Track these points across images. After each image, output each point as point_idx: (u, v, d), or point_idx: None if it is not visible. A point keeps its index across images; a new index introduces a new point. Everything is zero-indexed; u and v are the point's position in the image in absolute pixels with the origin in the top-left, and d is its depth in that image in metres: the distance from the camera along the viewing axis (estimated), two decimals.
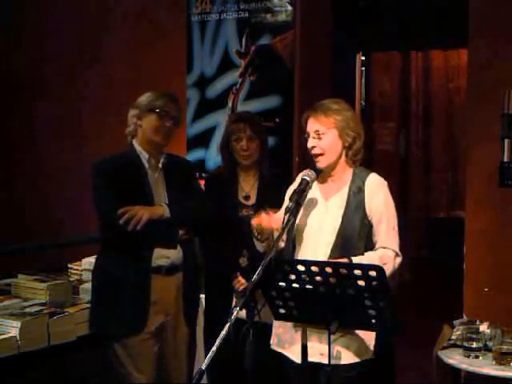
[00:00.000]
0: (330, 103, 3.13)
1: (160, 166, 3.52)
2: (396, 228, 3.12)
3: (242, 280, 3.57)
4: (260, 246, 3.19)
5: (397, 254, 3.07)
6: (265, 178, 3.76)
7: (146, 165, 3.49)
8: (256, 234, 3.18)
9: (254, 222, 3.16)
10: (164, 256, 3.45)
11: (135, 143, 3.51)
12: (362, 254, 3.02)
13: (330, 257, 3.01)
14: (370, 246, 3.08)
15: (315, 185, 3.13)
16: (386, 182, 3.16)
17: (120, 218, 3.30)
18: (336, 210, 3.10)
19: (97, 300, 3.56)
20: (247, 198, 3.74)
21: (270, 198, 3.57)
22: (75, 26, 5.61)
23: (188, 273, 3.53)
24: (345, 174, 3.15)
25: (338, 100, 3.18)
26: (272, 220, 3.10)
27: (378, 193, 3.11)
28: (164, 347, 3.53)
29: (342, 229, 3.05)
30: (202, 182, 3.95)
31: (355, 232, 3.05)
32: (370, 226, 3.08)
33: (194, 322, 3.65)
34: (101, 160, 3.54)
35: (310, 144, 3.11)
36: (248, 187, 3.76)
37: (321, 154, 3.09)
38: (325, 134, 3.09)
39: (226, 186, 3.76)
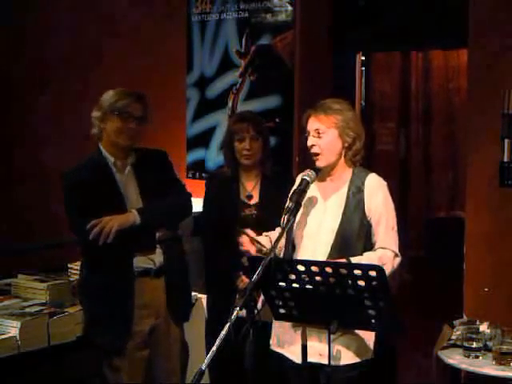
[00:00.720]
0: (332, 103, 3.13)
1: (128, 167, 3.44)
2: (395, 228, 3.12)
3: (245, 279, 3.57)
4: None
5: (396, 255, 3.07)
6: (267, 177, 3.76)
7: (113, 169, 3.42)
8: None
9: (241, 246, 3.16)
10: (148, 258, 3.42)
11: (101, 146, 3.44)
12: (361, 255, 3.03)
13: (330, 256, 3.02)
14: (369, 246, 3.08)
15: (314, 184, 3.13)
16: (385, 183, 3.16)
17: (89, 232, 3.21)
18: (335, 210, 3.10)
19: (84, 310, 3.55)
20: (250, 197, 3.74)
21: (272, 198, 3.59)
22: (75, 26, 5.62)
23: (172, 272, 3.48)
24: (344, 174, 3.15)
25: (340, 100, 3.19)
26: (251, 242, 3.11)
27: (377, 193, 3.11)
28: (156, 349, 3.51)
29: (340, 229, 3.06)
30: (203, 183, 3.95)
31: (354, 232, 3.06)
32: (369, 226, 3.08)
33: (183, 321, 3.62)
34: (68, 170, 3.45)
35: (309, 142, 3.12)
36: (250, 187, 3.76)
37: (320, 153, 3.10)
38: (325, 133, 3.09)
39: (228, 186, 3.75)
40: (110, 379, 3.45)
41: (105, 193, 3.37)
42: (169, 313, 3.51)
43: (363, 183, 3.11)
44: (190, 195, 3.61)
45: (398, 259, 3.08)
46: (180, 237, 3.63)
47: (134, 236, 3.32)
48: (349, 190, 3.11)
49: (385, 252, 3.05)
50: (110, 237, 3.22)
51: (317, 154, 3.11)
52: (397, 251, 3.08)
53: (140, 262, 3.41)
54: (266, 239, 3.21)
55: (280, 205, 3.24)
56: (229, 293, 3.60)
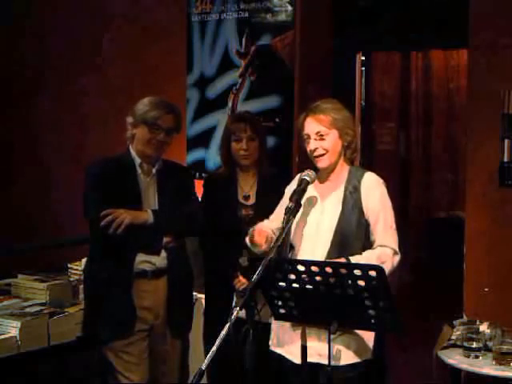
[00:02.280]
0: (327, 103, 3.13)
1: (154, 171, 3.52)
2: (394, 226, 3.12)
3: (242, 279, 3.56)
4: (257, 250, 3.19)
5: (395, 252, 3.07)
6: (264, 177, 3.76)
7: (139, 170, 3.50)
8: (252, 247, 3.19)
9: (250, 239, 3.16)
10: (147, 261, 3.45)
11: (131, 148, 3.52)
12: (360, 254, 3.02)
13: (328, 256, 3.01)
14: (367, 244, 3.08)
15: (312, 185, 3.12)
16: (382, 181, 3.16)
17: (102, 219, 3.29)
18: (333, 210, 3.10)
19: (86, 302, 3.59)
20: (247, 197, 3.74)
21: (269, 198, 3.58)
22: (75, 26, 5.61)
23: (173, 279, 3.52)
24: (341, 174, 3.16)
25: (333, 100, 3.19)
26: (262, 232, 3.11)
27: (374, 191, 3.11)
28: (152, 350, 3.54)
29: (339, 228, 3.05)
30: (201, 183, 3.95)
31: (352, 231, 3.05)
32: (368, 224, 3.08)
33: (183, 330, 3.64)
34: (95, 161, 3.57)
35: (312, 146, 3.10)
36: (247, 187, 3.76)
37: (323, 155, 3.09)
38: (327, 135, 3.08)
39: (225, 187, 3.75)
40: (116, 365, 3.47)
41: (125, 188, 3.45)
42: (168, 321, 3.53)
43: (360, 182, 3.11)
44: (202, 214, 3.61)
45: (398, 257, 3.08)
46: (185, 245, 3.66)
47: (141, 235, 3.37)
48: (346, 190, 3.11)
49: (384, 250, 3.05)
50: (121, 228, 3.29)
51: (319, 156, 3.10)
52: (396, 249, 3.08)
53: (139, 262, 3.43)
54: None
55: (277, 205, 3.24)
56: (227, 293, 3.60)
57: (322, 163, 3.11)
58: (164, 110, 3.46)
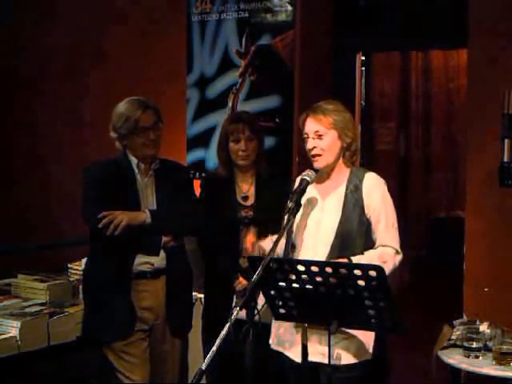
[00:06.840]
0: (328, 104, 3.13)
1: (151, 172, 3.52)
2: (395, 225, 3.12)
3: (242, 281, 3.56)
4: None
5: (397, 252, 3.07)
6: (262, 177, 3.75)
7: (136, 170, 3.50)
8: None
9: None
10: (146, 262, 3.46)
11: (127, 150, 3.52)
12: (362, 253, 3.02)
13: (330, 255, 3.01)
14: (369, 244, 3.08)
15: (312, 185, 3.13)
16: (383, 181, 3.16)
17: (99, 222, 3.30)
18: (333, 209, 3.10)
19: (85, 304, 3.59)
20: (245, 198, 3.73)
21: (268, 198, 3.58)
22: (75, 26, 5.61)
23: (172, 279, 3.52)
24: (342, 174, 3.16)
25: (335, 101, 3.19)
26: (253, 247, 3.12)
27: (375, 191, 3.11)
28: (153, 350, 3.55)
29: (340, 227, 3.06)
30: (199, 182, 3.94)
31: (354, 230, 3.06)
32: (369, 224, 3.08)
33: (183, 330, 3.65)
34: (92, 164, 3.58)
35: (310, 145, 3.11)
36: (246, 188, 3.75)
37: (320, 155, 3.10)
38: (325, 135, 3.09)
39: (223, 187, 3.74)
40: (116, 365, 3.47)
41: (123, 189, 3.45)
42: (167, 320, 3.53)
43: (361, 181, 3.12)
44: (202, 213, 3.61)
45: (400, 256, 3.08)
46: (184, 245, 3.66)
47: (140, 235, 3.37)
48: (347, 189, 3.12)
49: (385, 249, 3.05)
50: (118, 229, 3.30)
51: (316, 156, 3.10)
52: (398, 248, 3.08)
53: (138, 263, 3.44)
54: (270, 243, 3.20)
55: (276, 205, 3.23)
56: (227, 293, 3.59)
57: (318, 163, 3.11)
58: (138, 110, 3.44)
